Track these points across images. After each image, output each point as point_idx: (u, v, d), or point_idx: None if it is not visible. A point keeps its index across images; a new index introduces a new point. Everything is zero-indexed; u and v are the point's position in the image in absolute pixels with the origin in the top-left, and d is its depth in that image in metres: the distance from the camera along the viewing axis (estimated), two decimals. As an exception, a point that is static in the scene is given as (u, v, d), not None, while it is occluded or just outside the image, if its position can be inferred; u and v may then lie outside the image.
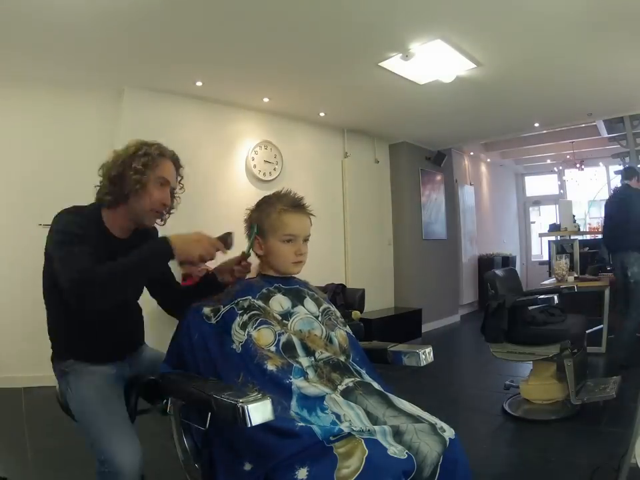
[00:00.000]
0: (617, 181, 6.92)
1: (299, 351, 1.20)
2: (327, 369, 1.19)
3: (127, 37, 2.91)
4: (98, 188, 1.33)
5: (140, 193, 1.28)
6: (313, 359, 1.19)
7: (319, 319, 1.32)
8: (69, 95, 3.68)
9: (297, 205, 1.35)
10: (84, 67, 3.37)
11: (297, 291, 1.36)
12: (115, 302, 1.14)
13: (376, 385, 1.22)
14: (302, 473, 0.94)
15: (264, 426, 0.95)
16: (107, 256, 1.13)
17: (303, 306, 1.32)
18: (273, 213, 1.33)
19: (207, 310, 1.25)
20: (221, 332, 1.20)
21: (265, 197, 1.40)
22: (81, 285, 1.06)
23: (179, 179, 1.42)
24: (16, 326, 3.38)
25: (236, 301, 1.25)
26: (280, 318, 1.25)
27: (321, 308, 1.36)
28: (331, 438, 0.99)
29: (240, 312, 1.22)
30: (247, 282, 1.35)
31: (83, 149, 3.63)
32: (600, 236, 5.12)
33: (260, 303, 1.26)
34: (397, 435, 1.02)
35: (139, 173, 1.27)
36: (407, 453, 0.97)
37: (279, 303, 1.29)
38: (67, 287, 1.08)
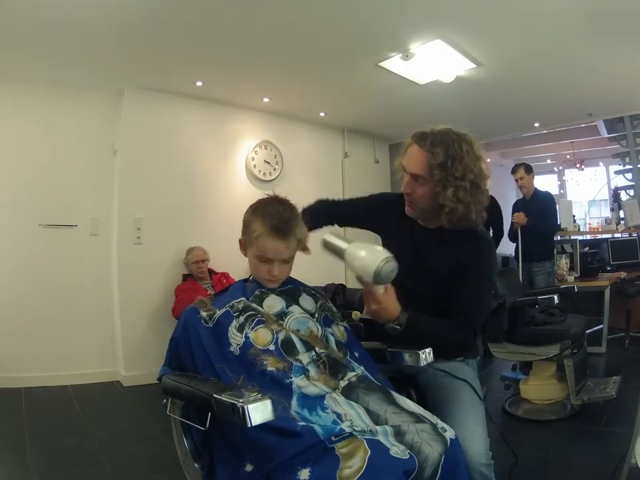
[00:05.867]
0: (617, 181, 6.91)
1: (299, 347, 1.19)
2: (327, 365, 1.18)
3: (127, 37, 2.91)
4: None
5: None
6: (313, 354, 1.19)
7: (315, 315, 1.31)
8: (69, 95, 3.67)
9: (275, 230, 1.25)
10: (84, 67, 3.37)
11: (290, 290, 1.34)
12: None
13: (376, 382, 1.21)
14: (304, 473, 0.93)
15: (265, 426, 0.94)
16: None
17: (298, 304, 1.31)
18: (252, 231, 1.27)
19: (203, 313, 1.24)
20: (218, 335, 1.19)
21: (255, 205, 1.32)
22: None
23: None
24: (17, 326, 3.38)
25: (230, 304, 1.24)
26: (275, 318, 1.25)
27: (318, 303, 1.35)
28: (333, 438, 0.99)
29: (235, 314, 1.21)
30: (240, 284, 1.34)
31: (83, 149, 3.63)
32: (600, 236, 5.12)
33: (254, 304, 1.25)
34: (399, 434, 1.01)
35: None
36: (408, 453, 0.96)
37: (273, 303, 1.28)
38: None
